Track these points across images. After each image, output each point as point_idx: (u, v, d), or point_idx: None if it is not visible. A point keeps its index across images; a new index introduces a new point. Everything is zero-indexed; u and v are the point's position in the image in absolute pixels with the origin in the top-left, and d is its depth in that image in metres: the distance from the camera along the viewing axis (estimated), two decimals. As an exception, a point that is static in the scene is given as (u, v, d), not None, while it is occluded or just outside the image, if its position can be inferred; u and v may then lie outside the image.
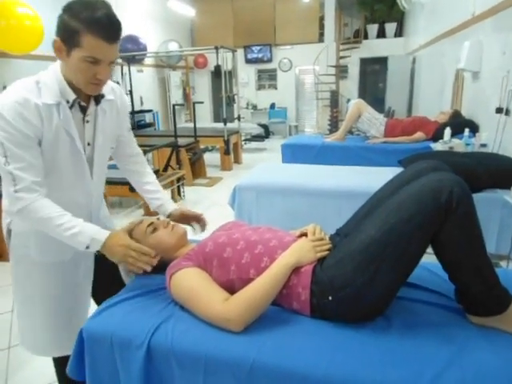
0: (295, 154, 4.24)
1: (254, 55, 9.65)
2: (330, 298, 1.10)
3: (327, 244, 1.23)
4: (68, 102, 1.18)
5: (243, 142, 8.21)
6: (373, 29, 8.62)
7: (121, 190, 3.90)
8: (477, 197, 1.11)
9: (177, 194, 4.74)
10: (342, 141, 4.26)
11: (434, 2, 5.57)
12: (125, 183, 3.92)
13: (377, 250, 1.07)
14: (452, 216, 1.02)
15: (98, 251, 1.21)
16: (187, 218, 1.54)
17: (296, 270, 1.15)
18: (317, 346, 1.03)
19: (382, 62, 7.93)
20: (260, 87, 10.17)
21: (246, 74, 9.83)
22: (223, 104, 6.51)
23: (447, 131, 3.42)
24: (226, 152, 6.33)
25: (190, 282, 1.16)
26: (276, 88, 9.99)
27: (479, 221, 1.08)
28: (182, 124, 8.43)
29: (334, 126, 8.15)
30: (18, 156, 1.10)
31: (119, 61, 6.65)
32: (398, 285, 1.13)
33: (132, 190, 4.05)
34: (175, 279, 1.18)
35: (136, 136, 1.60)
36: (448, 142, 3.25)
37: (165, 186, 4.32)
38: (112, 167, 1.52)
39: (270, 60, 9.62)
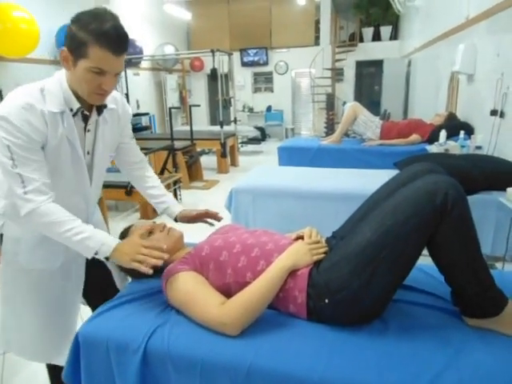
0: (291, 156, 4.25)
1: (250, 58, 9.67)
2: (327, 300, 1.10)
3: (323, 247, 1.23)
4: (71, 110, 1.19)
5: (240, 145, 8.22)
6: (368, 32, 8.66)
7: (117, 194, 3.90)
8: (472, 199, 1.12)
9: (173, 197, 4.73)
10: (338, 143, 4.27)
11: (428, 6, 5.61)
12: (121, 187, 3.93)
13: (373, 253, 1.07)
14: (447, 218, 1.03)
15: (95, 257, 1.20)
16: (199, 217, 1.53)
17: (292, 273, 1.15)
18: (313, 349, 1.03)
19: (378, 64, 7.98)
20: (256, 90, 10.19)
21: (243, 77, 9.85)
22: (219, 107, 6.51)
23: (442, 133, 3.44)
24: (223, 155, 6.33)
25: (186, 285, 1.16)
26: (272, 91, 10.01)
27: (474, 223, 1.08)
28: (179, 127, 8.41)
29: (330, 128, 8.17)
30: (25, 158, 1.10)
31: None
32: (394, 287, 1.13)
33: (128, 193, 4.06)
34: (171, 283, 1.18)
35: (132, 139, 1.60)
36: (443, 145, 3.27)
37: (161, 190, 4.30)
38: (108, 170, 1.52)
39: (266, 63, 9.65)
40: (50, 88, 1.15)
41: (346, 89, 9.12)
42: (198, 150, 6.24)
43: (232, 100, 7.26)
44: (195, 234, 1.63)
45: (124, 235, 1.38)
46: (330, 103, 8.38)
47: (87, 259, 1.40)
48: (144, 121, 7.84)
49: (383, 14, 8.14)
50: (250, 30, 9.52)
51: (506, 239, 2.25)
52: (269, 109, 9.94)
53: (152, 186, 1.55)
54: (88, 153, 1.30)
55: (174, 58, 8.29)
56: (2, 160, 1.09)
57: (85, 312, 1.51)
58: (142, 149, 1.60)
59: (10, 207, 1.26)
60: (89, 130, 1.27)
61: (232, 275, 1.18)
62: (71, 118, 1.19)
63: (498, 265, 2.40)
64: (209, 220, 1.56)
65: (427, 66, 5.66)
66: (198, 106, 6.90)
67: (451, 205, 1.02)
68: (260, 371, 0.99)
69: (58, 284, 1.36)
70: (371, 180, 2.48)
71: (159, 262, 1.15)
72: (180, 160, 5.35)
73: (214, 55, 6.15)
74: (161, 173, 4.77)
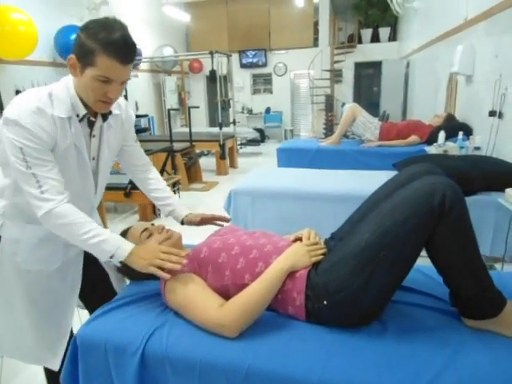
0: (291, 158, 4.25)
1: (249, 60, 9.68)
2: (325, 302, 1.09)
3: (322, 248, 1.23)
4: (78, 116, 1.20)
5: (239, 147, 8.22)
6: (367, 33, 8.66)
7: (116, 196, 3.89)
8: (471, 199, 1.12)
9: (179, 200, 4.72)
10: (337, 145, 4.27)
11: (427, 7, 5.62)
12: (120, 189, 3.92)
13: (371, 254, 1.07)
14: (445, 219, 1.03)
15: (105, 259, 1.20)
16: (207, 220, 1.53)
17: (291, 274, 1.14)
18: (312, 350, 1.03)
19: (376, 66, 7.98)
20: (255, 91, 10.19)
21: (241, 79, 9.86)
22: (218, 108, 6.51)
23: (441, 134, 3.44)
24: (222, 156, 6.33)
25: (184, 288, 1.15)
26: (271, 92, 10.02)
27: (473, 224, 1.08)
28: (178, 129, 8.42)
29: (329, 129, 8.16)
30: (38, 159, 1.11)
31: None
32: (392, 288, 1.13)
33: (127, 195, 4.05)
34: (169, 285, 1.18)
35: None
36: (442, 146, 3.27)
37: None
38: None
39: (264, 64, 9.66)
40: (57, 93, 1.16)
41: (345, 90, 9.12)
42: (197, 151, 6.24)
43: (231, 101, 7.26)
44: (194, 236, 1.62)
45: (123, 236, 1.37)
46: (329, 104, 8.38)
47: (85, 261, 1.41)
48: (143, 122, 7.83)
49: (382, 16, 8.14)
50: (248, 31, 9.53)
51: (504, 240, 2.25)
52: (268, 110, 9.95)
53: (157, 188, 1.55)
54: (93, 158, 1.32)
55: (172, 59, 8.29)
56: (14, 162, 1.10)
57: (83, 314, 1.51)
58: (140, 151, 1.60)
59: (9, 208, 1.25)
60: (94, 136, 1.28)
61: (230, 277, 1.18)
62: (78, 124, 1.20)
63: (497, 266, 2.40)
64: (217, 222, 1.55)
65: (426, 67, 5.67)
66: (197, 107, 6.89)
67: (449, 206, 1.02)
68: (259, 373, 0.99)
69: (54, 286, 1.35)
70: (370, 181, 2.48)
71: (177, 267, 1.14)
72: (179, 162, 5.35)
73: (212, 57, 6.15)
74: (160, 174, 4.76)
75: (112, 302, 1.28)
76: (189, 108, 6.19)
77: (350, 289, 1.08)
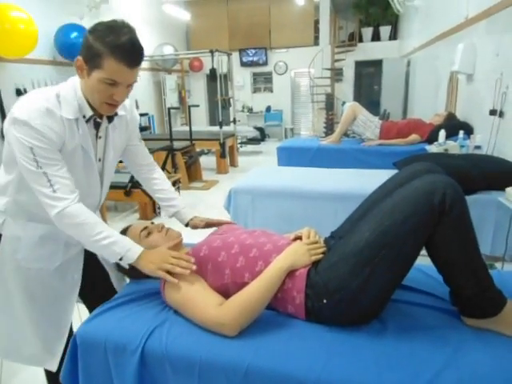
0: (291, 156, 4.24)
1: (250, 58, 9.66)
2: (325, 301, 1.09)
3: (322, 247, 1.23)
4: (84, 117, 1.20)
5: (239, 145, 8.21)
6: (367, 32, 8.65)
7: (116, 194, 3.89)
8: (471, 198, 1.12)
9: (176, 192, 4.72)
10: (338, 143, 4.27)
11: (427, 5, 5.61)
12: (120, 187, 3.92)
13: (371, 253, 1.07)
14: (445, 218, 1.03)
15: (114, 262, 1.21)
16: (213, 225, 1.53)
17: (291, 273, 1.14)
18: (312, 349, 1.02)
19: (377, 64, 7.98)
20: (255, 90, 10.18)
21: (242, 77, 9.84)
22: (219, 107, 6.51)
23: (442, 133, 3.43)
24: (222, 155, 6.33)
25: (184, 286, 1.15)
26: (272, 91, 10.01)
27: (473, 222, 1.08)
28: (178, 127, 8.42)
29: (329, 128, 8.16)
30: (49, 159, 1.11)
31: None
32: (392, 287, 1.13)
33: (127, 194, 4.05)
34: (169, 284, 1.18)
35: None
36: (443, 144, 3.26)
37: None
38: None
39: (265, 63, 9.64)
40: (65, 95, 1.16)
41: (346, 89, 9.11)
42: (198, 150, 6.24)
43: (231, 100, 7.25)
44: (193, 235, 1.62)
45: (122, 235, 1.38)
46: (330, 103, 8.37)
47: (85, 260, 1.41)
48: (143, 121, 7.83)
49: (382, 14, 8.13)
50: (249, 30, 9.51)
51: (505, 239, 2.25)
52: (268, 109, 9.94)
53: (162, 188, 1.56)
54: (99, 160, 1.32)
55: (173, 58, 8.28)
56: (24, 161, 1.10)
57: (83, 312, 1.50)
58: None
59: (11, 205, 1.25)
60: (100, 137, 1.29)
61: (230, 276, 1.18)
62: (85, 125, 1.21)
63: (498, 265, 2.40)
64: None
65: (426, 65, 5.66)
66: (197, 106, 6.89)
67: (449, 205, 1.02)
68: (258, 372, 0.99)
69: (54, 284, 1.35)
70: (370, 180, 2.47)
71: (186, 272, 1.15)
72: (179, 160, 5.35)
73: (213, 55, 6.14)
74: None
75: (112, 300, 1.28)
76: (189, 107, 6.19)
77: (349, 288, 1.07)
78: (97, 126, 1.26)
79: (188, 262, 1.19)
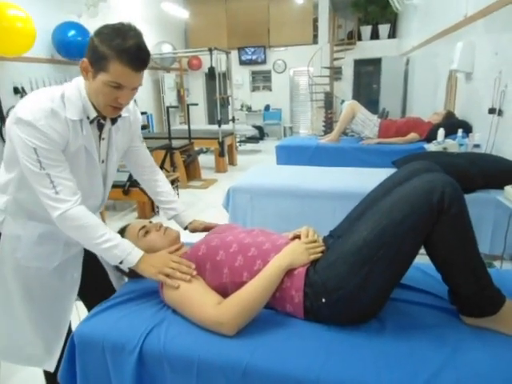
0: (290, 155, 4.24)
1: (248, 57, 9.65)
2: (324, 300, 1.09)
3: (320, 246, 1.22)
4: (88, 118, 1.20)
5: (238, 144, 8.21)
6: (366, 30, 8.65)
7: (114, 193, 3.88)
8: (470, 197, 1.11)
9: (176, 195, 4.72)
10: (337, 142, 4.27)
11: (426, 4, 5.61)
12: (118, 186, 3.91)
13: (370, 252, 1.06)
14: (444, 217, 1.02)
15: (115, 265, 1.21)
16: (211, 229, 1.52)
17: (289, 272, 1.14)
18: (310, 349, 1.02)
19: (376, 63, 7.97)
20: (254, 89, 10.17)
21: (241, 76, 9.83)
22: (217, 106, 6.50)
23: (441, 132, 3.43)
24: (221, 154, 6.32)
25: (182, 285, 1.15)
26: (270, 89, 10.00)
27: (472, 221, 1.08)
28: (177, 126, 8.40)
29: (328, 127, 8.16)
30: (52, 160, 1.11)
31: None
32: (391, 286, 1.13)
33: (125, 193, 4.04)
34: (168, 283, 1.17)
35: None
36: (441, 143, 3.26)
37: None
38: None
39: (264, 61, 9.63)
40: (69, 95, 1.16)
41: (345, 87, 9.11)
42: (196, 148, 6.22)
43: (230, 99, 7.24)
44: (192, 234, 1.62)
45: (120, 234, 1.37)
46: (329, 102, 8.37)
47: (84, 260, 1.40)
48: (142, 120, 7.81)
49: (381, 12, 8.13)
50: (247, 28, 9.50)
51: (503, 238, 2.25)
52: (267, 107, 9.93)
53: (162, 191, 1.56)
54: (102, 161, 1.32)
55: (171, 56, 8.26)
56: (27, 162, 1.10)
57: (82, 311, 1.50)
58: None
59: (11, 204, 1.25)
60: (103, 139, 1.29)
61: (229, 275, 1.17)
62: (89, 126, 1.21)
63: (497, 263, 2.40)
64: None
65: (425, 64, 5.66)
66: (196, 104, 6.88)
67: (448, 203, 1.01)
68: (256, 371, 0.98)
69: (53, 284, 1.35)
70: (369, 179, 2.47)
71: (186, 278, 1.16)
72: (178, 159, 5.34)
73: (211, 54, 6.13)
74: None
75: (110, 299, 1.28)
76: (188, 105, 6.17)
77: (348, 287, 1.07)
78: (100, 127, 1.26)
79: (188, 267, 1.19)
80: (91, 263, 1.41)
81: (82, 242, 1.19)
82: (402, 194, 1.09)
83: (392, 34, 8.58)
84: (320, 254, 1.19)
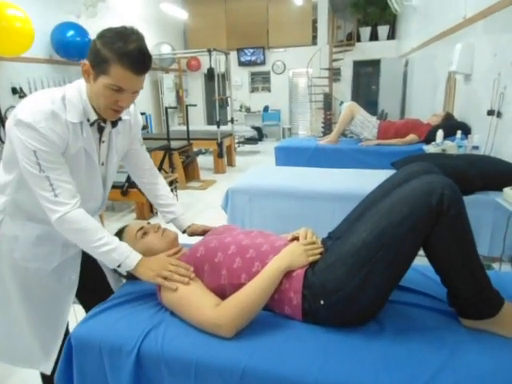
0: (289, 156, 4.24)
1: (247, 58, 9.65)
2: (322, 302, 1.09)
3: (319, 248, 1.22)
4: (89, 120, 1.20)
5: (236, 145, 8.21)
6: (365, 31, 8.66)
7: (113, 194, 3.87)
8: (469, 199, 1.11)
9: (174, 198, 4.71)
10: (336, 143, 4.27)
11: (425, 5, 5.61)
12: (117, 187, 3.90)
13: (368, 254, 1.06)
14: (443, 218, 1.02)
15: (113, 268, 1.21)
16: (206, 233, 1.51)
17: (287, 274, 1.14)
18: (309, 351, 1.02)
19: (375, 64, 7.98)
20: (253, 90, 10.17)
21: (240, 77, 9.83)
22: (216, 107, 6.50)
23: (440, 133, 3.44)
24: (220, 155, 6.32)
25: (180, 287, 1.14)
26: (269, 90, 10.00)
27: (470, 223, 1.08)
28: (175, 127, 8.39)
29: (327, 128, 8.16)
30: (52, 163, 1.11)
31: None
32: (389, 288, 1.12)
33: (124, 193, 4.03)
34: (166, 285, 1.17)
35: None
36: (440, 145, 3.26)
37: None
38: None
39: (263, 63, 9.63)
40: (70, 97, 1.16)
41: (344, 88, 9.12)
42: (195, 149, 6.22)
43: (229, 100, 7.24)
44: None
45: (119, 235, 1.37)
46: (328, 103, 8.37)
47: (82, 261, 1.40)
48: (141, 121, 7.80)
49: (380, 14, 8.14)
50: (247, 29, 9.50)
51: (502, 240, 2.25)
52: (266, 109, 9.93)
53: (161, 194, 1.55)
54: (102, 164, 1.32)
55: (170, 57, 8.26)
56: (27, 164, 1.10)
57: (79, 313, 1.49)
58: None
59: (10, 204, 1.24)
60: (103, 141, 1.29)
61: (227, 276, 1.17)
62: (89, 129, 1.20)
63: (495, 265, 2.40)
64: None
65: (424, 65, 5.66)
66: (195, 105, 6.88)
67: (447, 205, 1.01)
68: (255, 373, 0.98)
69: (51, 285, 1.34)
70: (368, 180, 2.47)
71: (184, 280, 1.15)
72: (176, 160, 5.34)
73: (210, 55, 6.13)
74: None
75: (107, 301, 1.27)
76: (186, 106, 6.16)
77: (347, 288, 1.07)
78: (100, 130, 1.25)
79: (187, 269, 1.19)
80: (89, 265, 1.41)
81: (80, 245, 1.19)
82: (401, 195, 1.09)
83: (391, 36, 8.59)
84: (319, 256, 1.19)
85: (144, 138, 1.57)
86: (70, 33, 5.08)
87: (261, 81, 10.06)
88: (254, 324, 1.09)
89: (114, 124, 1.28)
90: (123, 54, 1.05)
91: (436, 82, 5.03)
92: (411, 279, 1.28)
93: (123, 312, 1.20)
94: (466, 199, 1.08)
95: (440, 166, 1.36)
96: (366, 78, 9.25)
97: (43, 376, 1.51)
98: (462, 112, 4.00)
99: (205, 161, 6.96)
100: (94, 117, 1.19)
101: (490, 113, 3.10)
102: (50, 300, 1.35)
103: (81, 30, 5.15)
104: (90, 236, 1.15)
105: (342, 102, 7.35)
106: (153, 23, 8.16)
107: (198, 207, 4.62)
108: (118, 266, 1.18)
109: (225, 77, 7.38)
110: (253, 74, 10.02)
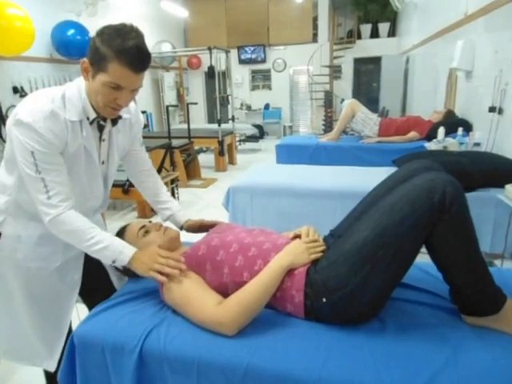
0: (290, 154, 4.23)
1: (248, 56, 9.63)
2: (324, 300, 1.09)
3: (321, 246, 1.22)
4: (88, 119, 1.20)
5: (237, 143, 8.20)
6: (366, 29, 8.63)
7: (114, 193, 3.88)
8: (470, 196, 1.11)
9: (171, 196, 4.71)
10: (337, 141, 4.26)
11: (426, 2, 5.59)
12: (118, 185, 3.91)
13: (370, 251, 1.06)
14: (445, 216, 1.02)
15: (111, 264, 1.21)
16: (208, 227, 1.51)
17: (290, 272, 1.14)
18: (311, 348, 1.02)
19: (376, 61, 7.94)
20: (254, 88, 10.15)
21: (240, 75, 9.82)
22: (217, 105, 6.49)
23: (441, 130, 3.43)
24: (221, 153, 6.31)
25: (182, 285, 1.14)
26: (270, 88, 9.98)
27: (473, 220, 1.07)
28: (176, 125, 8.39)
29: (328, 126, 8.15)
30: (48, 164, 1.11)
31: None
32: (392, 285, 1.12)
33: (125, 192, 4.03)
34: (168, 283, 1.17)
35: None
36: (442, 142, 3.26)
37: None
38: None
39: (263, 60, 9.61)
40: (70, 96, 1.16)
41: (344, 86, 9.10)
42: (196, 148, 6.21)
43: (230, 98, 7.23)
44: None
45: (120, 234, 1.37)
46: (328, 100, 8.35)
47: (85, 260, 1.40)
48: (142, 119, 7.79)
49: (381, 11, 8.11)
50: (247, 27, 9.48)
51: (504, 237, 2.25)
52: (267, 106, 9.91)
53: (159, 192, 1.56)
54: (103, 162, 1.32)
55: (171, 55, 8.24)
56: (24, 165, 1.10)
57: (82, 311, 1.49)
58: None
59: (12, 204, 1.24)
60: (104, 140, 1.28)
61: (229, 275, 1.17)
62: (89, 127, 1.20)
63: (497, 262, 2.40)
64: None
65: (425, 62, 5.64)
66: (196, 103, 6.86)
67: (449, 202, 1.01)
68: (257, 371, 0.98)
69: (53, 284, 1.35)
70: (369, 177, 2.47)
71: (175, 272, 1.15)
72: (178, 158, 5.33)
73: (211, 53, 6.12)
74: (158, 171, 4.75)
75: (110, 299, 1.27)
76: (187, 104, 6.15)
77: (349, 286, 1.07)
78: (100, 128, 1.25)
79: (177, 261, 1.18)
80: (92, 264, 1.40)
81: (75, 245, 1.19)
82: (403, 193, 1.09)
83: (392, 33, 8.56)
84: (320, 254, 1.19)
85: (145, 137, 1.57)
86: (71, 31, 5.07)
87: (261, 79, 10.04)
88: (257, 322, 1.10)
89: (114, 122, 1.28)
90: (121, 51, 1.05)
91: (437, 79, 5.01)
92: (413, 276, 1.27)
93: (125, 310, 1.20)
94: (468, 196, 1.08)
95: (441, 163, 1.36)
96: (367, 76, 9.22)
97: (47, 374, 1.52)
98: (463, 109, 3.99)
99: (206, 159, 6.95)
100: (93, 115, 1.19)
101: (492, 109, 3.09)
102: (52, 299, 1.36)
103: (81, 29, 5.14)
104: (81, 236, 1.16)
105: (342, 100, 7.33)
106: (153, 21, 8.15)
107: (199, 205, 4.63)
108: (113, 262, 1.18)
109: (225, 75, 7.37)
110: (253, 72, 10.00)
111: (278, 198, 2.77)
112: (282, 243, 1.22)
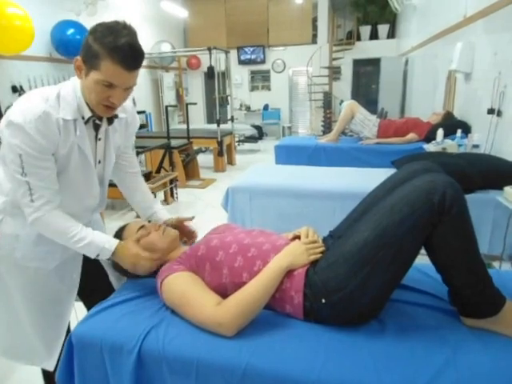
0: (289, 155, 4.23)
1: (247, 56, 9.64)
2: (324, 301, 1.09)
3: (320, 246, 1.22)
4: (83, 118, 1.19)
5: (236, 144, 8.20)
6: (365, 30, 8.65)
7: (113, 193, 3.86)
8: (469, 198, 1.11)
9: (170, 196, 4.71)
10: (336, 142, 4.26)
11: (426, 4, 5.60)
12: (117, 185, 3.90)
13: (370, 253, 1.06)
14: (445, 217, 1.02)
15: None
16: (181, 230, 1.48)
17: (289, 273, 1.13)
18: (310, 350, 1.02)
19: (375, 63, 7.95)
20: (253, 88, 10.15)
21: (240, 75, 9.82)
22: (216, 105, 6.49)
23: (440, 132, 3.43)
24: (220, 153, 6.31)
25: (181, 286, 1.14)
26: (269, 89, 9.98)
27: (472, 222, 1.07)
28: (175, 125, 8.38)
29: (327, 127, 8.16)
30: (35, 167, 1.12)
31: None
32: (391, 287, 1.12)
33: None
34: (167, 284, 1.17)
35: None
36: (441, 143, 3.26)
37: (158, 188, 4.29)
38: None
39: (263, 61, 9.61)
40: (65, 95, 1.16)
41: (344, 87, 9.11)
42: (195, 148, 6.21)
43: (229, 98, 7.23)
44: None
45: (119, 234, 1.37)
46: (328, 102, 8.36)
47: (84, 260, 1.40)
48: (140, 119, 7.77)
49: (381, 13, 8.13)
50: (247, 27, 9.48)
51: (503, 238, 2.25)
52: (266, 107, 9.92)
53: (142, 192, 1.54)
54: (99, 162, 1.31)
55: (170, 55, 8.24)
56: (11, 167, 1.11)
57: (80, 311, 1.49)
58: (138, 147, 1.59)
59: (9, 204, 1.24)
60: (100, 139, 1.28)
61: (228, 275, 1.17)
62: (83, 126, 1.20)
63: (496, 264, 2.40)
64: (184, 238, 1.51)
65: (425, 64, 5.65)
66: (195, 104, 6.87)
67: (449, 204, 1.01)
68: (256, 372, 0.98)
69: (52, 284, 1.34)
70: (369, 179, 2.47)
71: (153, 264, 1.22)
72: (176, 158, 5.33)
73: (210, 53, 6.12)
74: (157, 171, 4.74)
75: (108, 299, 1.27)
76: (186, 105, 6.15)
77: (348, 287, 1.07)
78: (96, 127, 1.25)
79: (150, 250, 1.26)
80: (91, 263, 1.40)
81: (61, 243, 1.22)
82: (403, 194, 1.09)
83: (391, 34, 8.58)
84: (320, 255, 1.19)
85: (144, 137, 1.58)
86: (70, 31, 5.07)
87: (261, 79, 10.04)
88: (256, 323, 1.09)
89: (110, 121, 1.27)
90: (113, 48, 1.04)
91: (436, 81, 5.02)
92: (412, 278, 1.27)
93: (124, 310, 1.20)
94: (467, 198, 1.08)
95: (440, 165, 1.36)
96: (366, 77, 9.24)
97: (45, 374, 1.51)
98: (462, 111, 3.99)
99: (205, 159, 6.95)
100: (88, 114, 1.19)
101: (491, 111, 3.10)
102: (51, 299, 1.36)
103: (81, 28, 5.14)
104: (64, 235, 1.19)
105: (341, 101, 7.33)
106: (153, 21, 8.15)
107: (198, 206, 4.62)
108: (98, 256, 1.22)
109: (225, 75, 7.38)
110: (253, 73, 10.01)
111: (277, 199, 2.77)
112: (282, 244, 1.21)
